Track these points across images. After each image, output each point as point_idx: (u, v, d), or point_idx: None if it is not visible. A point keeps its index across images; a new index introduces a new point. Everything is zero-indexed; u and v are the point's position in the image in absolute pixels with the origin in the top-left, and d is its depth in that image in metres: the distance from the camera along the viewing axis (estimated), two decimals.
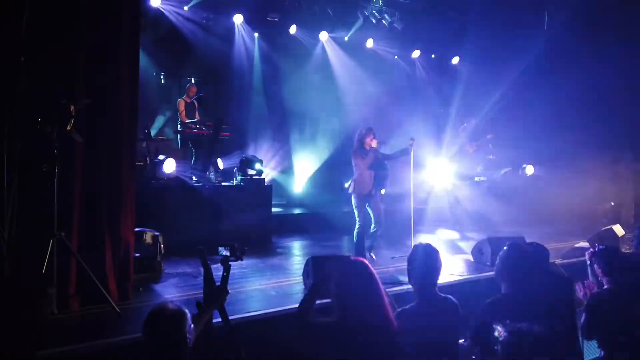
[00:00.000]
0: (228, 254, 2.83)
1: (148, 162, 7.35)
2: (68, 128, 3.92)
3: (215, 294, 2.77)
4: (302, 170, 10.82)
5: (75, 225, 4.15)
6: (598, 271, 3.48)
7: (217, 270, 2.81)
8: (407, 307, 2.73)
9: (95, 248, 4.27)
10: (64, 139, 3.93)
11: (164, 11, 8.91)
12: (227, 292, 2.77)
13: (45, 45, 4.08)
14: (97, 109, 4.25)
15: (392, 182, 10.97)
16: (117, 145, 4.41)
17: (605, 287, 3.43)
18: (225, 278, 2.78)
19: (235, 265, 6.13)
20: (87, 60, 4.25)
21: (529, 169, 10.66)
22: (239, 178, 7.85)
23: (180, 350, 2.33)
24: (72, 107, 3.89)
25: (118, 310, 4.00)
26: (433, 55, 12.16)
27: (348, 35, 10.96)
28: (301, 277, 5.11)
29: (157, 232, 5.77)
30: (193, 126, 8.13)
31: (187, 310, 2.42)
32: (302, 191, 10.79)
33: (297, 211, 9.89)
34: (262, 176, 8.10)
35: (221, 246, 2.85)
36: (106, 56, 4.36)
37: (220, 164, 8.19)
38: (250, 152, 9.07)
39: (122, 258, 4.44)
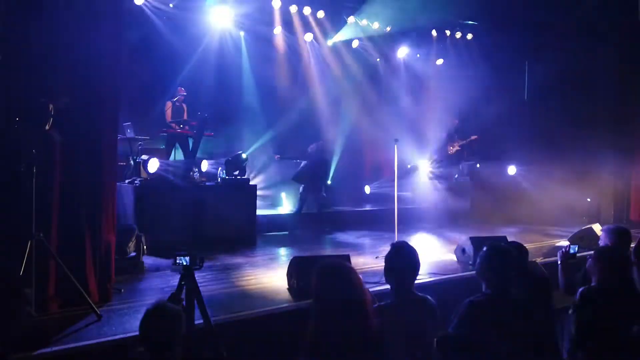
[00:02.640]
0: (187, 263, 2.81)
1: (131, 161, 7.28)
2: (47, 127, 3.87)
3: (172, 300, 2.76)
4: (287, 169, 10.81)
5: (54, 226, 4.09)
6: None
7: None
8: (384, 303, 2.73)
9: (75, 249, 4.21)
10: (42, 138, 3.87)
11: (147, 10, 8.82)
12: (182, 300, 2.75)
13: (23, 42, 4.01)
14: (77, 107, 4.19)
15: (376, 181, 11.11)
16: (97, 145, 4.35)
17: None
18: (181, 287, 2.76)
19: (219, 266, 6.14)
20: (67, 58, 4.19)
21: (511, 169, 10.81)
22: (224, 177, 7.80)
23: (176, 349, 2.34)
24: (50, 106, 3.84)
25: (98, 311, 3.95)
26: (418, 55, 12.24)
27: (332, 39, 10.99)
28: (285, 277, 5.10)
29: (140, 232, 5.72)
30: (176, 126, 8.08)
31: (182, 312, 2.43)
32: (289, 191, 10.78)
33: (282, 211, 9.88)
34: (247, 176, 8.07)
35: (179, 255, 2.82)
36: (86, 54, 4.30)
37: (205, 165, 8.14)
38: (235, 151, 9.02)
39: (103, 259, 4.39)
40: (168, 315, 2.34)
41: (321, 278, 2.27)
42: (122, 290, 4.65)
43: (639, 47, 9.56)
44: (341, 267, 2.30)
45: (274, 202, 10.53)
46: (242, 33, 10.25)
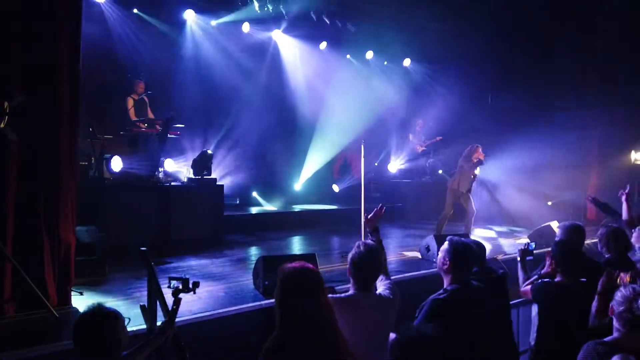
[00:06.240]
0: (180, 286, 2.74)
1: (93, 161, 7.10)
2: (1, 126, 3.74)
3: (162, 328, 2.67)
4: (253, 169, 10.77)
5: (9, 227, 3.94)
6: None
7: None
8: (344, 295, 2.76)
9: (33, 251, 4.07)
10: None
11: (109, 6, 8.62)
12: (174, 329, 2.68)
13: None
14: (34, 105, 4.05)
15: (347, 182, 11.18)
16: (55, 144, 4.21)
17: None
18: (174, 312, 2.69)
19: (185, 267, 6.06)
20: (22, 53, 4.06)
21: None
22: (190, 176, 7.70)
23: (112, 356, 2.26)
24: (5, 104, 3.72)
25: (56, 315, 3.84)
26: (385, 63, 12.33)
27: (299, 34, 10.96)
28: (251, 278, 5.08)
29: (102, 232, 5.59)
30: (141, 125, 7.92)
31: (120, 314, 2.34)
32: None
33: (251, 211, 9.84)
34: (214, 175, 7.99)
35: (173, 279, 2.76)
36: (43, 50, 4.17)
37: (170, 165, 8.00)
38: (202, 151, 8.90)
39: (62, 260, 4.26)
40: (104, 320, 2.25)
41: (283, 285, 2.27)
42: (83, 293, 4.53)
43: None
44: (305, 274, 2.29)
45: (242, 202, 10.47)
46: (211, 25, 10.04)
